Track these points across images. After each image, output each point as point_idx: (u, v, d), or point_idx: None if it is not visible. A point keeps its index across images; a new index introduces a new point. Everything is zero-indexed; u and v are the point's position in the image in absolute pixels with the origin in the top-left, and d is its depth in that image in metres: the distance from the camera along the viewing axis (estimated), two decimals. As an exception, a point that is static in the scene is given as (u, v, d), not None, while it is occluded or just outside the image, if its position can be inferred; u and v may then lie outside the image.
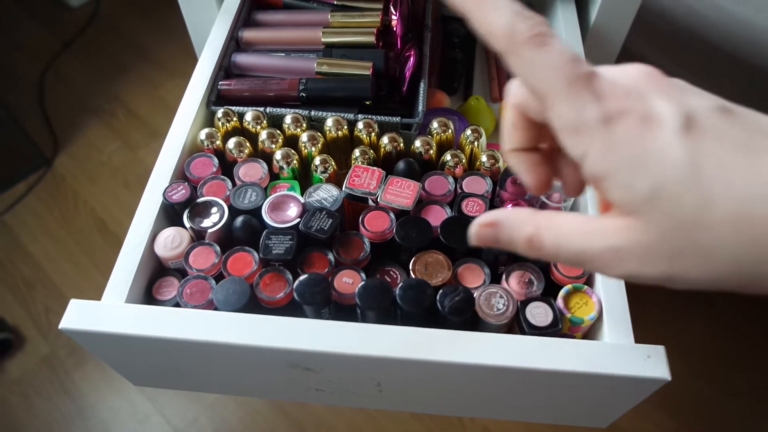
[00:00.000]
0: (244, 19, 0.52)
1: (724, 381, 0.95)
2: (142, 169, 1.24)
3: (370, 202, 0.40)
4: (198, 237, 0.39)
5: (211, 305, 0.35)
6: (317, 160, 0.42)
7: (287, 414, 0.93)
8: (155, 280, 0.39)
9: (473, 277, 0.37)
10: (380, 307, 0.34)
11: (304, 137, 0.43)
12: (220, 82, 0.47)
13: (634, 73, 0.22)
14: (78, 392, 0.96)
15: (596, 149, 0.20)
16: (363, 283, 0.35)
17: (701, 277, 0.20)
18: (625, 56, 0.66)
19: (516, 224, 0.22)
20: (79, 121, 1.33)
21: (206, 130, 0.44)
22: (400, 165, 0.41)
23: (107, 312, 0.33)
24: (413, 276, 0.36)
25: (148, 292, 0.38)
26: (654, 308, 1.01)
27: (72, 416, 0.94)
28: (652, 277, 0.21)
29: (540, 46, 0.20)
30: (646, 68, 0.22)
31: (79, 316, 0.33)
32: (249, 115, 0.44)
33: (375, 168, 0.41)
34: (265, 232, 0.38)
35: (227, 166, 0.43)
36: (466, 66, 0.60)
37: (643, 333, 0.34)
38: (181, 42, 1.45)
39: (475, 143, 0.43)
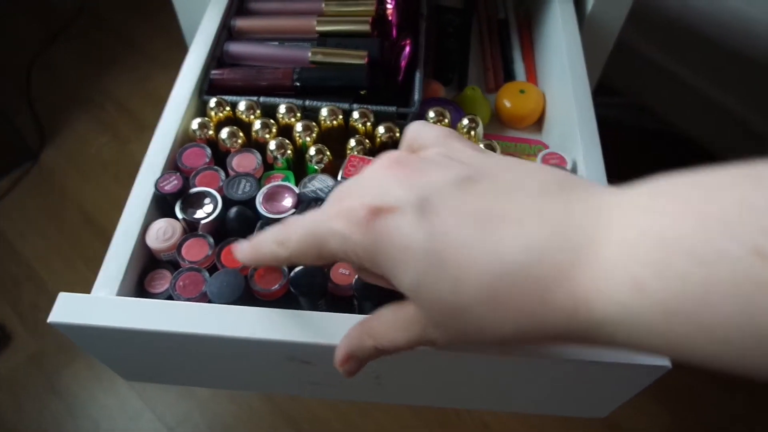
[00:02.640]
0: (237, 7, 0.51)
1: (719, 374, 0.96)
2: (132, 162, 1.22)
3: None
4: (191, 228, 0.38)
5: (204, 298, 0.35)
6: (312, 150, 0.41)
7: (281, 409, 0.92)
8: (147, 273, 0.38)
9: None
10: (378, 298, 0.33)
11: (298, 127, 0.42)
12: (212, 71, 0.46)
13: (377, 166, 0.23)
14: (67, 390, 0.95)
15: (366, 260, 0.21)
16: None
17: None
18: (620, 49, 0.66)
19: (361, 344, 0.24)
20: (67, 114, 1.30)
21: (198, 119, 0.43)
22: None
23: (98, 305, 0.32)
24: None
25: (139, 285, 0.37)
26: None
27: (62, 414, 0.93)
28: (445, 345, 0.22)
29: (282, 245, 0.25)
30: (389, 158, 0.23)
31: (68, 309, 0.32)
32: (242, 105, 0.43)
33: (371, 158, 0.40)
34: (259, 223, 0.37)
35: (220, 156, 0.42)
36: (461, 56, 0.59)
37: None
38: (170, 34, 1.43)
39: (472, 132, 0.43)
